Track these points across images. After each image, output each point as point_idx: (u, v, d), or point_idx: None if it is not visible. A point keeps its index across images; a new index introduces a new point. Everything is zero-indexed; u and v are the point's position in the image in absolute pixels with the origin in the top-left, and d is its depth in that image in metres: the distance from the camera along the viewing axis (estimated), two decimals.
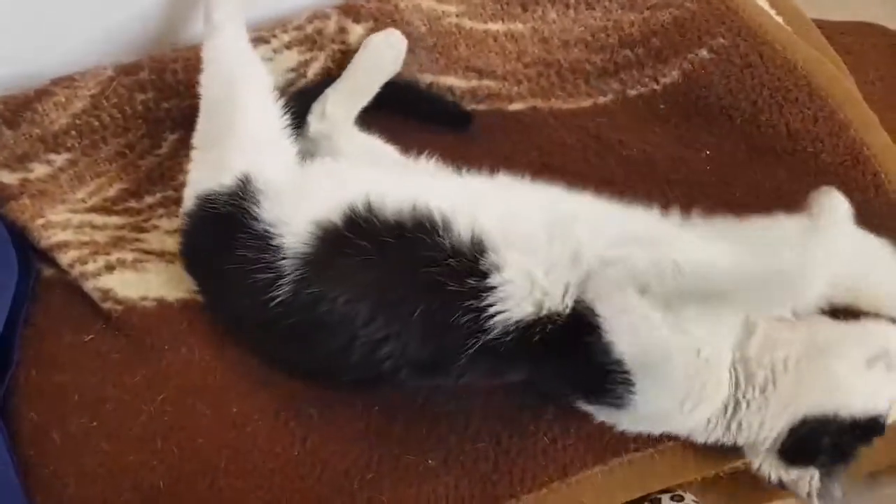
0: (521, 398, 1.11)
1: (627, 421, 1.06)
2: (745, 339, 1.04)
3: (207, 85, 1.16)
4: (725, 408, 1.04)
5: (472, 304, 0.98)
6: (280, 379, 1.14)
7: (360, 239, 1.00)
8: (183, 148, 1.33)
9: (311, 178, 1.10)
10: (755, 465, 1.07)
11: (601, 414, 1.07)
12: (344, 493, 1.07)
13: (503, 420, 1.11)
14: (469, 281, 0.98)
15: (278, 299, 1.01)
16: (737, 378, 1.03)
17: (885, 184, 1.26)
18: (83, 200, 1.32)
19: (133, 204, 1.33)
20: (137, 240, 1.29)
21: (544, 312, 1.00)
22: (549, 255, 1.01)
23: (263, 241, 1.03)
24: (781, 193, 1.25)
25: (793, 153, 1.29)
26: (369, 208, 1.01)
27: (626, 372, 0.98)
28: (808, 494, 1.06)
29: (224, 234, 1.06)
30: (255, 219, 1.04)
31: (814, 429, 1.01)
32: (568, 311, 1.00)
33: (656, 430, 1.08)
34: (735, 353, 1.04)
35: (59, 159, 1.32)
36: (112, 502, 1.10)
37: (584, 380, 1.04)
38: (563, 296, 1.01)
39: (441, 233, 1.00)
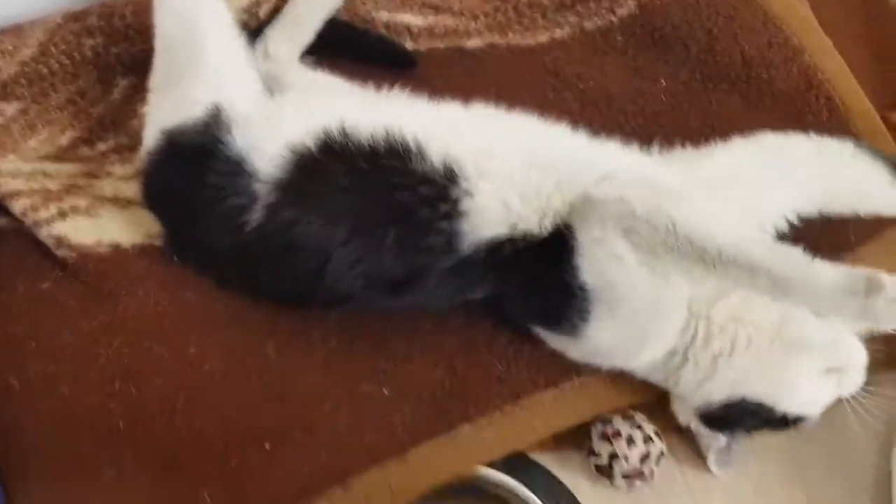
0: (475, 325, 1.13)
1: (576, 351, 1.08)
2: (716, 299, 1.04)
3: (165, 24, 1.15)
4: (671, 357, 1.05)
5: (444, 227, 1.01)
6: (236, 319, 1.15)
7: (335, 163, 1.02)
8: (135, 93, 1.33)
9: (283, 105, 1.11)
10: (673, 406, 1.11)
11: (553, 341, 1.08)
12: (301, 424, 1.09)
13: (457, 347, 1.13)
14: (441, 207, 1.00)
15: (253, 223, 1.03)
16: (694, 334, 1.04)
17: (839, 107, 1.27)
18: (35, 149, 1.31)
19: (86, 151, 1.32)
20: (91, 186, 1.28)
21: (518, 233, 1.02)
22: (527, 183, 1.03)
23: (237, 167, 1.04)
24: (736, 120, 1.26)
25: (747, 80, 1.29)
26: (343, 133, 1.03)
27: (585, 299, 0.99)
28: (708, 451, 1.12)
29: (194, 164, 1.07)
30: (228, 147, 1.06)
31: (746, 410, 1.04)
32: (545, 233, 1.02)
33: (602, 364, 1.09)
34: (700, 308, 1.04)
35: (10, 108, 1.30)
36: (72, 445, 1.11)
37: (544, 301, 1.04)
38: (540, 220, 1.02)
39: (413, 159, 1.02)
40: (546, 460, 1.17)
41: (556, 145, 1.09)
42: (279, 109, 1.10)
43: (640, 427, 1.16)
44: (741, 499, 1.19)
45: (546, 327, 1.07)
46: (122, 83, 1.34)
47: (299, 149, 1.03)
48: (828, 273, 0.92)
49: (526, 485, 1.13)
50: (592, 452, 1.18)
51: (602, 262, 0.98)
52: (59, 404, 1.13)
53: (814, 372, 1.03)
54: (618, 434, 1.15)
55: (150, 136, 1.13)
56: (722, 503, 1.19)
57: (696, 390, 1.06)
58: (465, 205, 1.01)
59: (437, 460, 1.09)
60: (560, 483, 1.15)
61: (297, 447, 1.08)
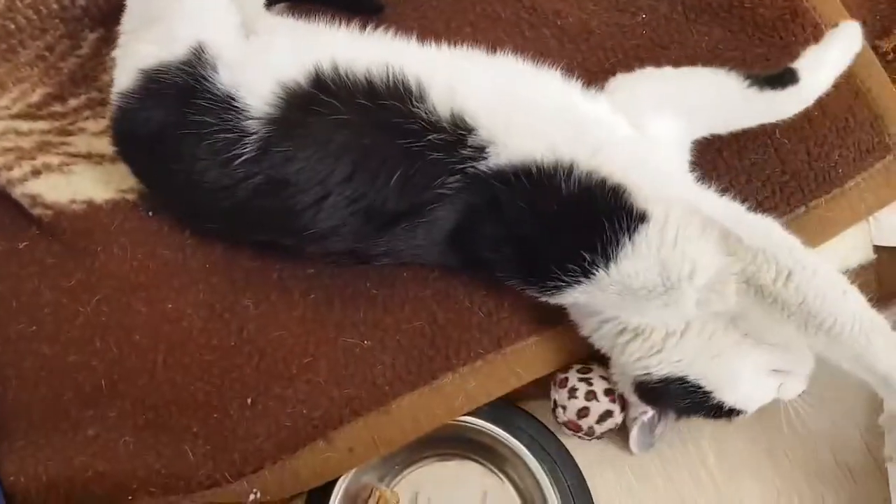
0: (454, 276, 1.13)
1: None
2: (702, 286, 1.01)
3: None
4: (624, 331, 1.05)
5: (457, 168, 1.00)
6: (213, 274, 1.17)
7: (332, 99, 1.02)
8: (104, 46, 1.33)
9: (272, 42, 1.10)
10: (612, 370, 1.11)
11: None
12: (282, 378, 1.10)
13: (438, 298, 1.13)
14: (461, 152, 1.00)
15: (243, 157, 1.02)
16: None
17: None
18: (7, 108, 1.30)
19: (58, 108, 1.31)
20: (64, 143, 1.28)
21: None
22: (555, 142, 1.01)
23: (225, 104, 1.03)
24: (718, 53, 1.24)
25: (729, 10, 1.26)
26: (337, 69, 1.03)
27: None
28: (634, 422, 1.11)
29: (176, 102, 1.06)
30: (213, 84, 1.05)
31: (684, 390, 1.04)
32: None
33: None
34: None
35: None
36: (54, 402, 1.14)
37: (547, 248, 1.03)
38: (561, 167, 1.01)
39: (416, 102, 1.01)
40: (530, 407, 1.18)
41: (558, 102, 1.08)
42: (267, 46, 1.09)
43: (590, 382, 1.15)
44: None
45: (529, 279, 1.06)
46: (91, 37, 1.33)
47: (290, 85, 1.03)
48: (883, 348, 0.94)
49: (510, 432, 1.14)
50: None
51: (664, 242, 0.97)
52: (41, 363, 1.17)
53: (760, 369, 1.04)
54: (564, 383, 1.15)
55: (125, 76, 1.11)
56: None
57: (635, 364, 1.06)
58: (491, 152, 1.00)
59: (420, 411, 1.11)
60: (545, 428, 1.16)
61: (278, 400, 1.09)
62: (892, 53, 1.33)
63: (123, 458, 1.10)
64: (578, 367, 1.16)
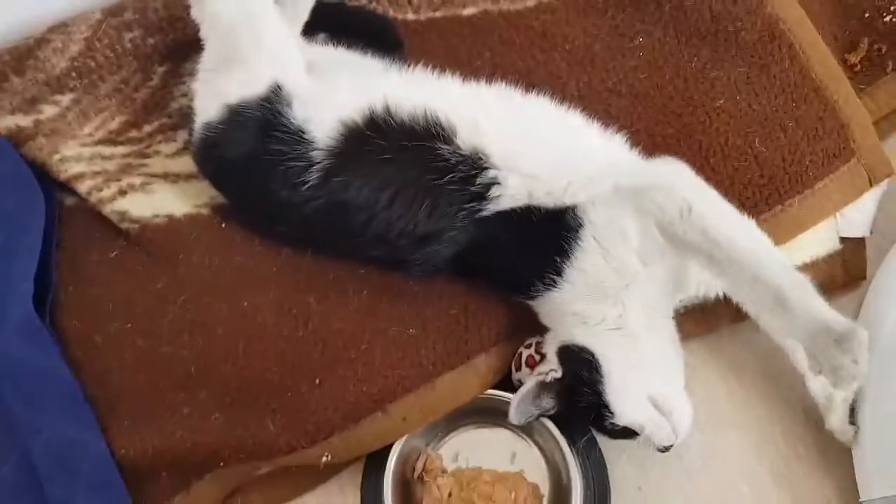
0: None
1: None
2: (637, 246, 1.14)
3: (225, 13, 1.26)
4: (571, 314, 1.19)
5: (471, 206, 1.17)
6: (280, 277, 1.31)
7: (379, 138, 1.17)
8: (171, 78, 1.51)
9: (335, 83, 1.25)
10: (547, 336, 1.23)
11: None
12: (343, 362, 1.23)
13: (469, 291, 1.27)
14: (471, 188, 1.16)
15: (309, 183, 1.18)
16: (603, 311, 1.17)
17: (800, 54, 1.36)
18: (90, 135, 1.47)
19: (134, 133, 1.48)
20: (143, 165, 1.45)
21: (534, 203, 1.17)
22: (552, 181, 1.16)
23: (297, 136, 1.19)
24: (706, 71, 1.38)
25: (716, 34, 1.39)
26: (387, 110, 1.18)
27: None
28: (530, 378, 1.19)
29: (257, 133, 1.21)
30: (287, 118, 1.20)
31: (588, 365, 1.15)
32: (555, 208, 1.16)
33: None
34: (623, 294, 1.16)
35: (65, 99, 1.47)
36: (153, 388, 1.28)
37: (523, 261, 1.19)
38: (556, 203, 1.16)
39: (445, 142, 1.16)
40: None
41: (574, 143, 1.22)
42: (332, 86, 1.24)
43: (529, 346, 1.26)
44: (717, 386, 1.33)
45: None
46: (160, 70, 1.51)
47: (349, 123, 1.19)
48: (824, 311, 1.05)
49: None
50: None
51: (606, 239, 1.12)
52: (138, 354, 1.30)
53: (646, 388, 1.13)
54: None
55: (212, 109, 1.24)
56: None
57: (566, 330, 1.18)
58: (494, 191, 1.16)
59: (459, 385, 1.23)
60: None
61: (341, 380, 1.22)
62: (858, 66, 1.43)
63: (215, 431, 1.22)
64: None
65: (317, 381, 1.23)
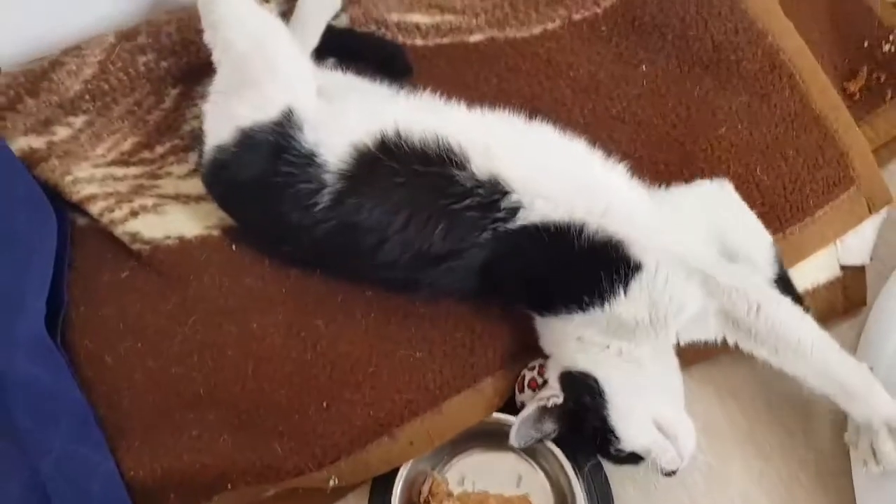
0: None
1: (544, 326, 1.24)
2: (685, 321, 1.16)
3: (239, 40, 1.28)
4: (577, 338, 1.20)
5: (492, 226, 1.17)
6: (289, 300, 1.32)
7: (392, 162, 1.18)
8: (184, 100, 1.53)
9: (346, 108, 1.26)
10: (549, 363, 1.24)
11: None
12: (350, 385, 1.24)
13: (475, 313, 1.28)
14: (495, 214, 1.16)
15: (321, 206, 1.19)
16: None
17: (800, 84, 1.39)
18: (103, 156, 1.49)
19: (147, 155, 1.50)
20: (154, 186, 1.47)
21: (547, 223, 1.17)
22: (573, 206, 1.17)
23: (308, 160, 1.20)
24: (708, 100, 1.41)
25: (717, 63, 1.42)
26: (398, 135, 1.19)
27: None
28: (531, 403, 1.20)
29: (268, 156, 1.22)
30: (299, 142, 1.21)
31: (590, 390, 1.16)
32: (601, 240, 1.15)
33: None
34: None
35: (78, 121, 1.50)
36: (162, 407, 1.29)
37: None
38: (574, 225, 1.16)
39: (458, 169, 1.16)
40: None
41: (579, 170, 1.23)
42: (343, 111, 1.25)
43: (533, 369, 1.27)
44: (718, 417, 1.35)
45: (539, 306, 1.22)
46: (173, 92, 1.53)
47: (360, 147, 1.19)
48: (885, 403, 1.11)
49: None
50: None
51: (659, 298, 1.13)
52: (148, 375, 1.31)
53: (651, 412, 1.14)
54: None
55: (224, 132, 1.26)
56: None
57: (574, 356, 1.19)
58: (521, 214, 1.16)
59: (465, 409, 1.24)
60: None
61: (349, 403, 1.23)
62: (858, 94, 1.47)
63: (223, 453, 1.23)
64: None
65: (324, 404, 1.24)
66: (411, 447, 1.23)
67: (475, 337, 1.28)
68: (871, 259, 1.37)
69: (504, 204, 1.16)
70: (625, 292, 1.12)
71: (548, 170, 1.19)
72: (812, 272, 1.33)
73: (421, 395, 1.24)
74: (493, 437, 1.29)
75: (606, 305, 1.13)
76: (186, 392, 1.29)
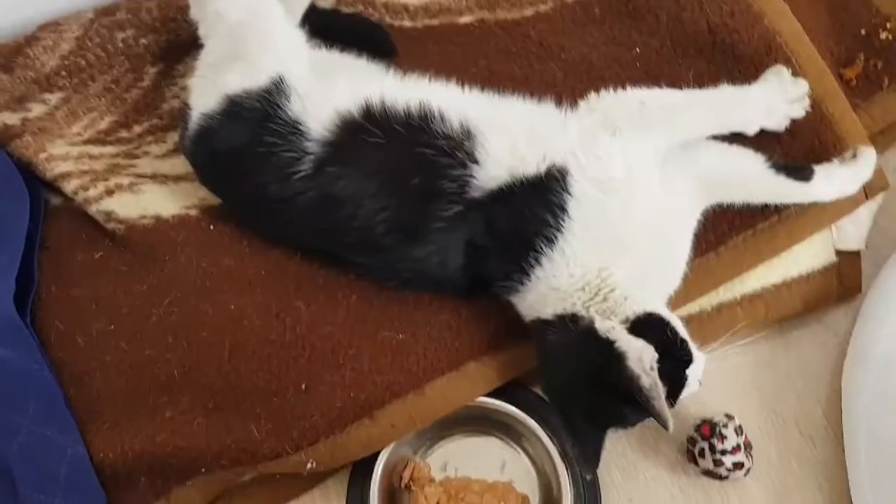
0: None
1: (521, 303, 1.19)
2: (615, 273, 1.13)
3: (226, 10, 1.25)
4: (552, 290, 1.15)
5: (458, 173, 1.14)
6: (268, 280, 1.29)
7: (375, 127, 1.16)
8: (163, 79, 1.50)
9: (334, 77, 1.24)
10: (519, 308, 1.20)
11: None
12: (330, 367, 1.21)
13: (460, 297, 1.24)
14: (458, 155, 1.14)
15: (301, 174, 1.17)
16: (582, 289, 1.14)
17: (796, 69, 1.34)
18: (79, 134, 1.46)
19: (124, 134, 1.47)
20: (131, 165, 1.43)
21: (517, 178, 1.15)
22: (529, 133, 1.16)
23: (292, 128, 1.18)
24: (703, 83, 1.36)
25: (712, 46, 1.38)
26: (382, 103, 1.18)
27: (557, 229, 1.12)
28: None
29: (254, 125, 1.20)
30: (285, 111, 1.19)
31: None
32: (540, 174, 1.14)
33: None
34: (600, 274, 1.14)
35: (54, 98, 1.46)
36: (135, 390, 1.26)
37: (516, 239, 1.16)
38: (538, 163, 1.15)
39: (436, 122, 1.16)
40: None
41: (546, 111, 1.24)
42: (331, 82, 1.23)
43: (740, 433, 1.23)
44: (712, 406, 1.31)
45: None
46: (152, 71, 1.50)
47: (345, 115, 1.18)
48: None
49: (525, 411, 1.25)
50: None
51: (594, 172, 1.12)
52: (120, 356, 1.28)
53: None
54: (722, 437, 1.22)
55: (211, 99, 1.23)
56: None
57: (533, 308, 1.16)
58: (479, 153, 1.15)
59: (449, 392, 1.21)
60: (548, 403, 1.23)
61: (328, 386, 1.20)
62: (854, 80, 1.44)
63: (198, 436, 1.20)
64: (725, 420, 1.23)
65: (303, 386, 1.21)
66: (392, 430, 1.20)
67: (460, 320, 1.25)
68: (867, 246, 1.35)
69: (466, 147, 1.15)
70: (571, 193, 1.12)
71: (519, 127, 1.19)
72: (807, 257, 1.31)
73: (403, 377, 1.21)
74: (478, 422, 1.27)
75: (568, 218, 1.12)
76: (160, 374, 1.26)
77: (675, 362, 1.06)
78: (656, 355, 1.02)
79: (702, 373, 1.10)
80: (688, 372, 1.08)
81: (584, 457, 1.10)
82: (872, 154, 1.24)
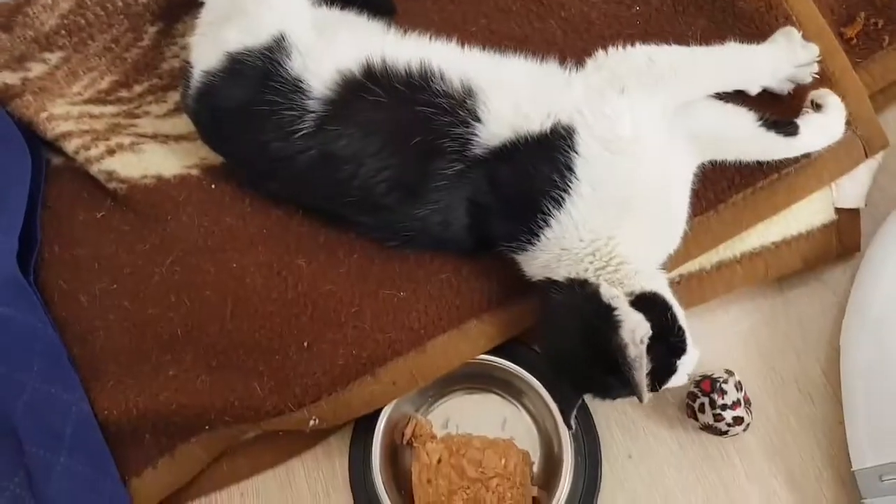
0: None
1: (531, 262, 1.18)
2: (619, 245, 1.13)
3: None
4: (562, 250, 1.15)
5: (460, 132, 1.13)
6: (270, 239, 1.29)
7: (376, 86, 1.16)
8: (163, 38, 1.48)
9: (335, 36, 1.24)
10: (524, 267, 1.20)
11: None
12: (333, 325, 1.22)
13: (462, 255, 1.25)
14: (460, 113, 1.14)
15: (302, 132, 1.17)
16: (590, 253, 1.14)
17: (796, 25, 1.32)
18: (79, 93, 1.45)
19: (124, 94, 1.46)
20: (132, 125, 1.43)
21: (521, 136, 1.14)
22: (532, 90, 1.16)
23: (293, 86, 1.18)
24: (703, 40, 1.33)
25: (712, 3, 1.37)
26: (383, 61, 1.17)
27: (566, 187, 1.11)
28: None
29: (255, 82, 1.20)
30: (286, 69, 1.19)
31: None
32: (545, 131, 1.13)
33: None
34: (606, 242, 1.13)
35: (54, 57, 1.45)
36: (138, 349, 1.28)
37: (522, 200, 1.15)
38: (542, 121, 1.14)
39: (436, 81, 1.15)
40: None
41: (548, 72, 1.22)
42: (332, 41, 1.22)
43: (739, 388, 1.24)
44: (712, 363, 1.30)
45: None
46: (151, 30, 1.48)
47: (346, 74, 1.18)
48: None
49: (525, 368, 1.25)
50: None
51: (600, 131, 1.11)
52: (123, 315, 1.30)
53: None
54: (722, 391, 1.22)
55: (212, 57, 1.23)
56: None
57: (546, 268, 1.15)
58: (481, 111, 1.14)
59: (450, 350, 1.22)
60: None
61: (330, 343, 1.21)
62: (855, 39, 1.42)
63: (201, 394, 1.22)
64: (726, 375, 1.23)
65: (305, 343, 1.22)
66: (394, 387, 1.21)
67: (461, 278, 1.25)
68: (866, 205, 1.34)
69: (469, 105, 1.14)
70: (577, 151, 1.11)
71: (522, 85, 1.18)
72: (807, 215, 1.31)
73: (405, 334, 1.22)
74: (479, 379, 1.28)
75: (575, 178, 1.11)
76: (163, 332, 1.28)
77: (668, 347, 1.08)
78: (650, 332, 1.03)
79: (692, 367, 1.12)
80: (679, 362, 1.09)
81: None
82: (828, 92, 1.23)
